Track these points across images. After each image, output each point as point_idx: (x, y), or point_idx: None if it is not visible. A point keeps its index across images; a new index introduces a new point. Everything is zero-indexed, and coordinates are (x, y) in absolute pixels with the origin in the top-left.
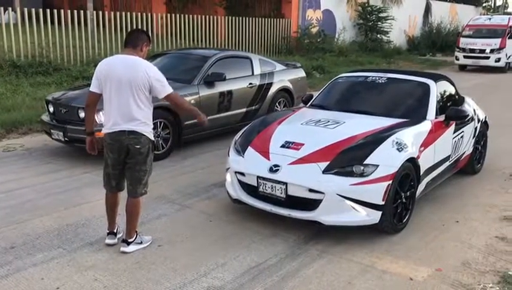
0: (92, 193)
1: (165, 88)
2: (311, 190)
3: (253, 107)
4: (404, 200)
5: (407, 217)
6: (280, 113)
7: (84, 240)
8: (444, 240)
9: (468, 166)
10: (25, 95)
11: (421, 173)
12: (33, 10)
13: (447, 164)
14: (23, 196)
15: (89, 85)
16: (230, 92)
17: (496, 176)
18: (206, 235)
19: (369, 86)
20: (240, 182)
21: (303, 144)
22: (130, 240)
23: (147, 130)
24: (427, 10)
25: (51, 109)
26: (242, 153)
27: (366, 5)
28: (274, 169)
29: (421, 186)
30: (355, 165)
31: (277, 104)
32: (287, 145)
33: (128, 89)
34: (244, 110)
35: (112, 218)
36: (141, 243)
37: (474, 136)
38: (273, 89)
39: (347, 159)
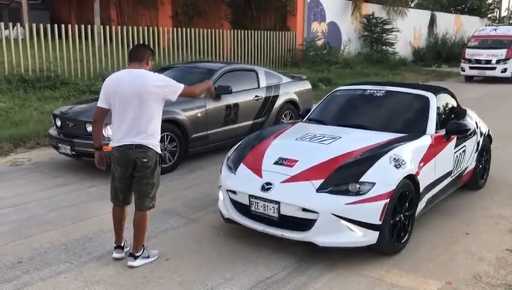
0: (100, 206)
1: (176, 91)
2: (304, 209)
3: (260, 120)
4: (403, 219)
5: (406, 237)
6: (276, 128)
7: (92, 255)
8: (453, 253)
9: (472, 181)
10: (33, 110)
11: (421, 190)
12: (41, 25)
13: (449, 179)
14: (30, 210)
15: (97, 99)
16: (236, 105)
17: (505, 187)
18: (214, 249)
19: (367, 99)
20: (231, 200)
21: (297, 161)
22: (137, 254)
23: (154, 143)
24: (432, 21)
25: (58, 123)
26: (234, 170)
27: (371, 17)
28: (266, 187)
29: (421, 204)
30: (351, 183)
31: (283, 116)
32: (280, 162)
33: (136, 103)
34: (250, 122)
35: (119, 232)
36: (148, 257)
37: (476, 151)
38: (279, 102)
39: (342, 176)
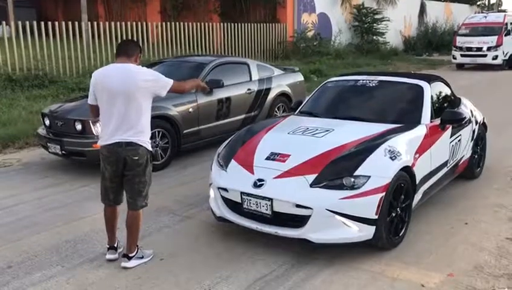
0: (91, 206)
1: (165, 86)
2: (298, 206)
3: (252, 114)
4: (399, 212)
5: (403, 231)
6: (267, 122)
7: (84, 257)
8: (454, 244)
9: (467, 170)
10: (21, 109)
11: (417, 182)
12: (27, 23)
13: (445, 170)
14: (20, 212)
15: (86, 96)
16: (228, 99)
17: (502, 175)
18: (209, 246)
19: (360, 90)
20: (223, 198)
21: (289, 155)
22: (131, 255)
23: (145, 140)
24: (422, 10)
25: (47, 122)
26: (225, 167)
27: (361, 7)
28: (258, 184)
29: (417, 196)
30: (345, 177)
31: (276, 109)
32: (272, 157)
33: (124, 99)
34: (243, 116)
35: (111, 232)
36: (142, 257)
37: (472, 139)
38: (271, 95)
39: (336, 170)
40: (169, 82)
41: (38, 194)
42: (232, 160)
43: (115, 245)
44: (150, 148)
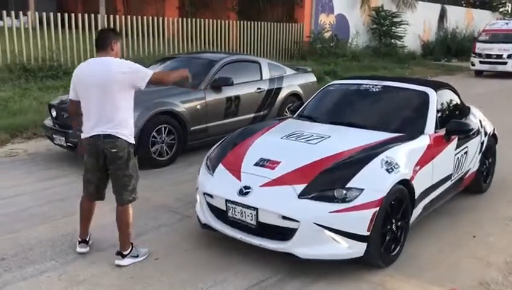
0: None
1: (144, 78)
2: (284, 217)
3: (262, 113)
4: (394, 229)
5: (398, 248)
6: (262, 124)
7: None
8: (459, 257)
9: (474, 185)
10: (33, 99)
11: (416, 196)
12: (44, 14)
13: (448, 183)
14: (21, 203)
15: None
16: (237, 97)
17: None
18: (207, 248)
19: (362, 95)
20: (209, 204)
21: (279, 162)
22: (125, 253)
23: (124, 132)
24: (442, 15)
25: (54, 114)
26: (212, 171)
27: (380, 9)
28: (244, 191)
29: (416, 211)
30: (337, 188)
31: (286, 109)
32: (261, 163)
33: (102, 92)
34: (252, 115)
35: (84, 225)
36: (137, 256)
37: (480, 152)
38: (282, 94)
39: (327, 181)
40: (148, 73)
41: (41, 185)
42: (220, 164)
43: (87, 239)
44: (132, 141)
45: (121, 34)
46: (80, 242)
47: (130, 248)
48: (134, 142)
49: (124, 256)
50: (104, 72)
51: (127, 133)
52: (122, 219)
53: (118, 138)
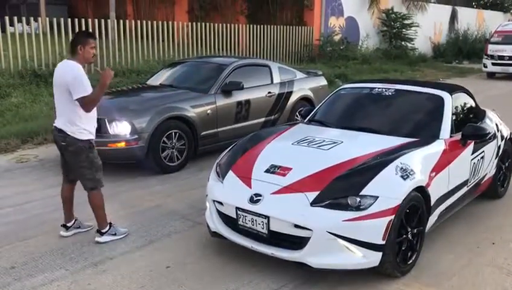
0: None
1: (74, 93)
2: (296, 226)
3: (272, 117)
4: (410, 237)
5: (413, 258)
6: (273, 129)
7: (88, 260)
8: (478, 265)
9: (491, 190)
10: (44, 105)
11: (432, 203)
12: (55, 20)
13: (465, 189)
14: (30, 210)
15: (106, 94)
16: (248, 102)
17: None
18: (219, 255)
19: (375, 99)
20: (219, 212)
21: (290, 169)
22: (103, 231)
23: (73, 130)
24: (453, 17)
25: None
26: (222, 178)
27: (390, 11)
28: (255, 199)
29: (432, 218)
30: (350, 196)
31: (297, 113)
32: (272, 169)
33: (59, 92)
34: (262, 120)
35: (66, 210)
36: (115, 234)
37: (497, 156)
38: (293, 98)
39: (341, 188)
40: (79, 93)
41: (50, 191)
42: (230, 171)
43: (69, 224)
44: (83, 138)
45: (130, 39)
46: (62, 225)
47: (108, 226)
48: (88, 138)
49: (102, 234)
50: (63, 74)
51: (76, 130)
52: (92, 203)
53: (68, 134)
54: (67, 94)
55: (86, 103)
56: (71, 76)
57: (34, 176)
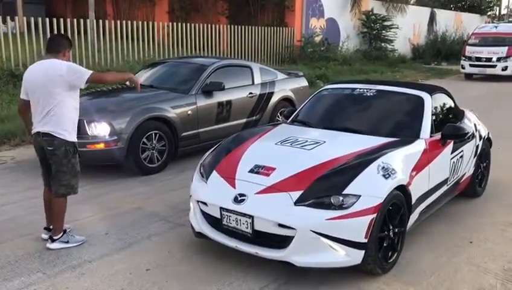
0: (82, 210)
1: (81, 76)
2: (280, 225)
3: (254, 118)
4: (391, 235)
5: (394, 257)
6: (255, 130)
7: (67, 263)
8: (457, 264)
9: (469, 189)
10: None
11: (413, 202)
12: (33, 19)
13: (445, 188)
14: (8, 213)
15: (86, 94)
16: (229, 102)
17: (511, 191)
18: (200, 257)
19: (356, 99)
20: (203, 212)
21: (274, 169)
22: (55, 237)
23: (61, 132)
24: (432, 19)
25: None
26: (205, 178)
27: (371, 13)
28: (239, 199)
29: (413, 216)
30: (333, 195)
31: (278, 114)
32: (256, 169)
33: (43, 93)
34: (244, 120)
35: (48, 214)
36: (67, 242)
37: (475, 156)
38: (274, 99)
39: (324, 187)
40: (87, 73)
41: (29, 194)
42: (214, 171)
43: (51, 227)
44: (71, 140)
45: (109, 39)
46: (45, 228)
47: (61, 234)
48: (74, 140)
49: (53, 240)
50: (46, 74)
51: (64, 132)
52: (55, 209)
53: (55, 137)
54: (57, 94)
55: (98, 77)
56: (65, 69)
57: (12, 178)
